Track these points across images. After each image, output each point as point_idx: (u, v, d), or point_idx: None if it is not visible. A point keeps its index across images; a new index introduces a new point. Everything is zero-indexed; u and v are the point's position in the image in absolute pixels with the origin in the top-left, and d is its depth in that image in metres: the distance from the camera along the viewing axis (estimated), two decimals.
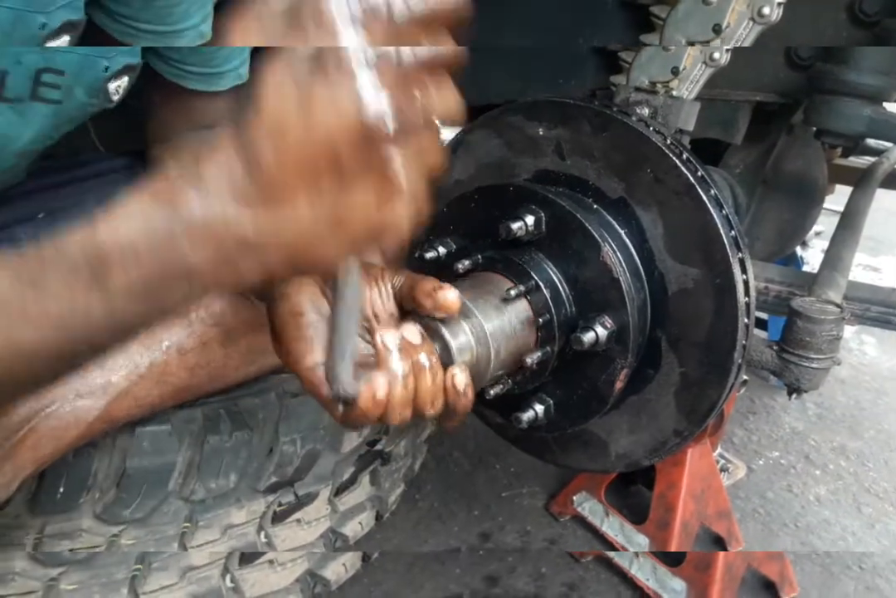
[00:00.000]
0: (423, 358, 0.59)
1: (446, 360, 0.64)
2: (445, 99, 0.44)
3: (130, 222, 0.45)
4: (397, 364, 0.57)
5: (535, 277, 0.77)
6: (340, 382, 0.55)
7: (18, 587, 0.88)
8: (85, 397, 0.81)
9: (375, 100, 0.41)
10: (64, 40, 0.69)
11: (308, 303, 0.60)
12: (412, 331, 0.60)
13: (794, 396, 0.94)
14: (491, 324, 0.70)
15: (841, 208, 1.36)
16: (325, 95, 0.41)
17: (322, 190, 0.43)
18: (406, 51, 0.41)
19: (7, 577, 0.87)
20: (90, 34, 0.72)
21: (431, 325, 0.65)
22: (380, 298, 0.65)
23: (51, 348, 0.47)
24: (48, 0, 0.62)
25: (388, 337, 0.58)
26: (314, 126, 0.41)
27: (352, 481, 1.16)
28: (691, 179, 0.77)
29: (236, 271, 0.46)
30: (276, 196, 0.43)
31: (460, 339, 0.67)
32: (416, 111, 0.42)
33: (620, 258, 0.78)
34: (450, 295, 0.61)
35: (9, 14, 0.63)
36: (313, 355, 0.58)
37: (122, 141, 1.02)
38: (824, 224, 2.10)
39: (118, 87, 0.78)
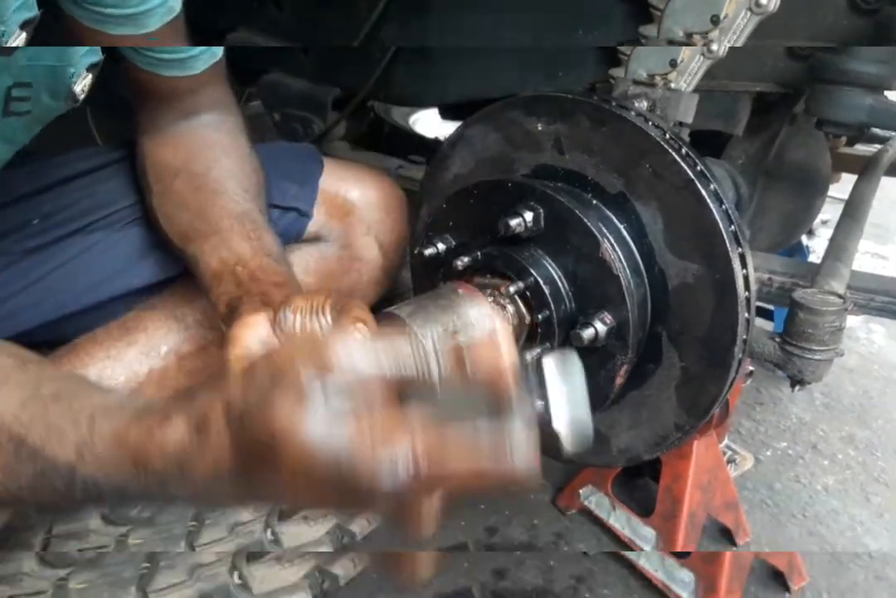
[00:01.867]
0: None
1: None
2: None
3: (118, 474, 0.46)
4: None
5: (535, 274, 0.77)
6: None
7: (28, 587, 0.89)
8: None
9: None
10: (21, 38, 0.67)
11: (256, 343, 0.61)
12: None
13: (797, 388, 0.94)
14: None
15: (846, 197, 1.35)
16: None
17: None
18: None
19: (16, 577, 0.88)
20: (59, 24, 0.72)
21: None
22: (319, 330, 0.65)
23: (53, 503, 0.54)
24: (5, 8, 0.60)
25: None
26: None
27: None
28: (690, 173, 0.77)
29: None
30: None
31: None
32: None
33: (620, 254, 0.78)
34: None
35: None
36: None
37: (122, 134, 1.02)
38: (831, 213, 2.08)
39: (83, 87, 0.78)
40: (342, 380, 0.39)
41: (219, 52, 0.87)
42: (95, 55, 0.77)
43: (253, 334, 0.61)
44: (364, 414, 0.40)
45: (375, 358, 0.40)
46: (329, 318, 0.64)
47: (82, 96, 0.79)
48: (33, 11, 0.67)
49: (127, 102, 0.92)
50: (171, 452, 0.44)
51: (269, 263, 0.78)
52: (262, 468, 0.41)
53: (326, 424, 0.39)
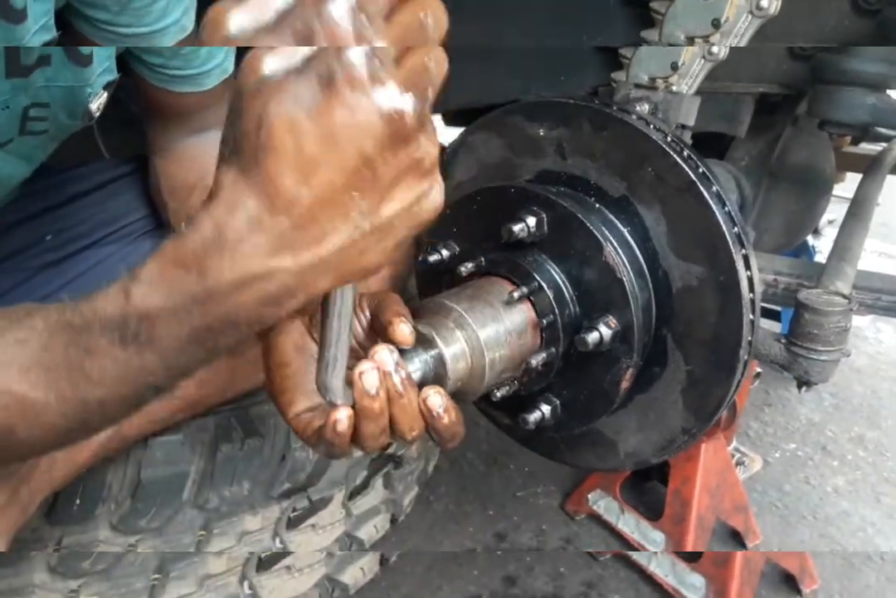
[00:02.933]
0: (394, 382, 0.56)
1: (439, 369, 0.64)
2: (438, 21, 0.40)
3: (165, 290, 0.45)
4: (370, 405, 0.56)
5: (538, 279, 0.77)
6: (329, 391, 0.55)
7: None
8: None
9: (395, 99, 0.39)
10: (103, 97, 0.74)
11: (294, 351, 0.60)
12: (384, 356, 0.57)
13: (804, 389, 0.93)
14: (486, 332, 0.69)
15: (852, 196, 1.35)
16: (345, 117, 0.39)
17: (361, 207, 0.42)
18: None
19: (27, 589, 0.88)
20: (72, 42, 0.72)
21: (426, 333, 0.65)
22: (358, 324, 0.64)
23: (116, 399, 0.50)
24: (24, 32, 0.61)
25: (368, 378, 0.56)
26: (344, 152, 0.39)
27: (365, 485, 1.16)
28: (692, 176, 0.76)
29: (283, 309, 0.46)
30: (311, 230, 0.41)
31: (453, 348, 0.66)
32: (426, 79, 0.40)
33: (623, 257, 0.77)
34: (400, 331, 0.59)
35: (59, 91, 0.66)
36: (297, 405, 0.59)
37: (127, 146, 1.02)
38: (836, 212, 2.08)
39: (99, 105, 0.78)
40: None
41: (230, 67, 0.88)
42: (111, 74, 0.79)
43: (289, 341, 0.61)
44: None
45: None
46: (367, 313, 0.64)
47: (97, 114, 0.80)
48: (114, 74, 0.74)
49: (135, 116, 0.93)
50: (203, 232, 0.42)
51: None
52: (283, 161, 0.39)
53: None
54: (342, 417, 0.55)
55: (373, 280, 1.02)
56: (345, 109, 0.38)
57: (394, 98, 0.39)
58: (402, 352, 0.59)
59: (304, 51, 0.39)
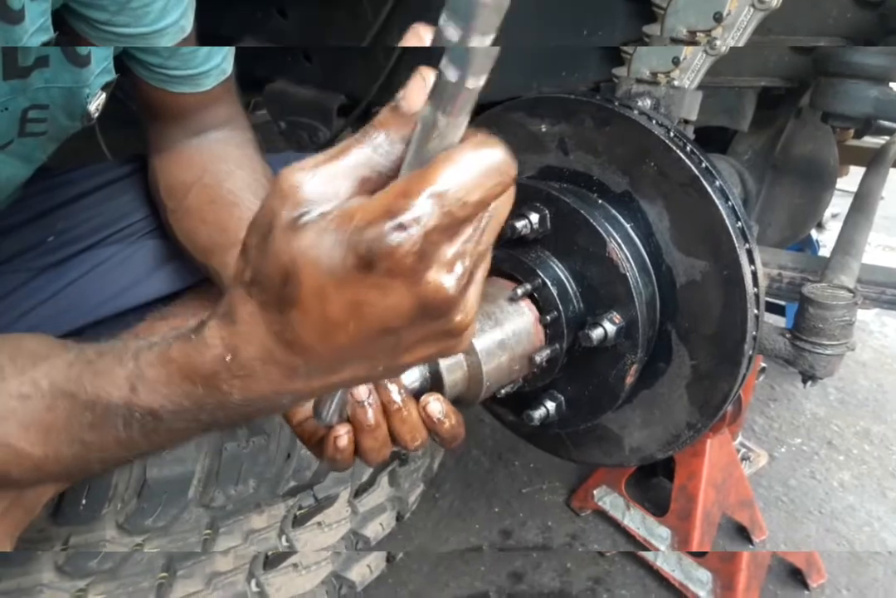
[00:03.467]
0: (392, 396, 0.58)
1: (435, 380, 0.64)
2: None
3: (174, 397, 0.45)
4: (361, 413, 0.57)
5: (542, 276, 0.77)
6: (320, 415, 0.55)
7: None
8: None
9: (436, 278, 0.35)
10: (101, 99, 0.73)
11: None
12: None
13: (808, 383, 0.93)
14: (482, 340, 0.69)
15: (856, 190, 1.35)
16: (376, 297, 0.36)
17: (379, 358, 0.40)
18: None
19: (35, 589, 0.89)
20: (70, 42, 0.72)
21: None
22: None
23: (117, 461, 0.52)
24: (22, 33, 0.61)
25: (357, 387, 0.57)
26: (369, 324, 0.37)
27: (371, 482, 1.16)
28: (695, 170, 0.76)
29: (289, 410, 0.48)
30: (325, 370, 0.41)
31: (449, 360, 0.66)
32: (480, 248, 0.37)
33: (627, 253, 0.77)
34: None
35: (58, 92, 0.66)
36: (301, 413, 0.59)
37: (129, 146, 1.02)
38: (841, 206, 2.07)
39: (98, 106, 0.78)
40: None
41: (228, 68, 0.88)
42: (109, 75, 0.78)
43: None
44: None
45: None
46: None
47: (96, 115, 0.80)
48: (112, 75, 0.73)
49: (136, 116, 0.93)
50: (214, 350, 0.42)
51: None
52: (299, 310, 0.37)
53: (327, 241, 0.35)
54: (341, 432, 0.56)
55: None
56: (378, 291, 0.36)
57: (435, 277, 0.35)
58: None
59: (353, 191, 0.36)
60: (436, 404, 0.59)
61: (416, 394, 0.60)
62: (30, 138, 0.74)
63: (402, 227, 0.33)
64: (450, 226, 0.34)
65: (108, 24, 0.72)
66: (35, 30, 0.62)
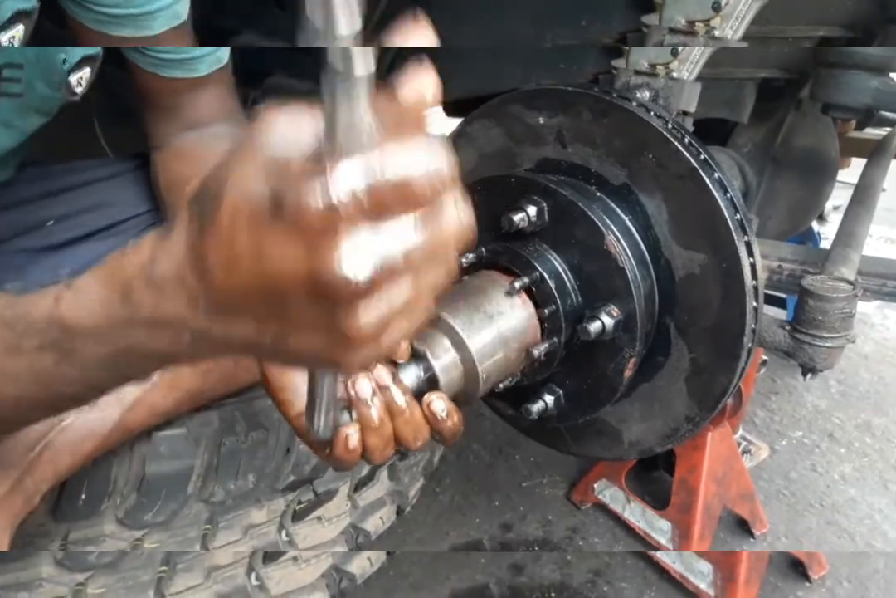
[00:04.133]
0: (395, 398, 0.57)
1: (431, 382, 0.64)
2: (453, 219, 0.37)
3: (90, 305, 0.45)
4: (367, 412, 0.56)
5: (540, 269, 0.76)
6: (317, 428, 0.55)
7: (47, 592, 0.89)
8: (99, 408, 0.82)
9: (354, 258, 0.33)
10: (18, 30, 0.67)
11: None
12: (381, 372, 0.58)
13: (808, 376, 0.93)
14: (476, 341, 0.68)
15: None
16: (285, 239, 0.34)
17: (268, 325, 0.39)
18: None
19: (35, 583, 0.89)
20: (61, 24, 0.72)
21: (417, 348, 0.65)
22: None
23: (31, 401, 0.50)
24: None
25: (360, 385, 0.56)
26: (263, 269, 0.36)
27: (370, 476, 1.16)
28: (694, 162, 0.76)
29: (193, 354, 0.46)
30: (225, 312, 0.40)
31: (443, 359, 0.66)
32: (404, 257, 0.35)
33: (625, 246, 0.77)
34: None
35: None
36: (298, 404, 0.58)
37: (130, 144, 1.02)
38: (842, 198, 2.07)
39: (80, 78, 0.77)
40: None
41: (224, 58, 0.86)
42: (92, 48, 0.77)
43: None
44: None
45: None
46: None
47: (80, 89, 0.78)
48: (30, 3, 0.66)
49: (135, 111, 0.92)
50: (140, 257, 0.42)
51: None
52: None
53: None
54: (352, 431, 0.55)
55: None
56: (280, 243, 0.34)
57: (338, 257, 0.33)
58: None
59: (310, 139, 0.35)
60: (439, 403, 0.59)
61: (415, 395, 0.60)
62: (5, 100, 0.72)
63: (323, 186, 0.32)
64: (373, 204, 0.33)
65: (97, 3, 0.71)
66: None
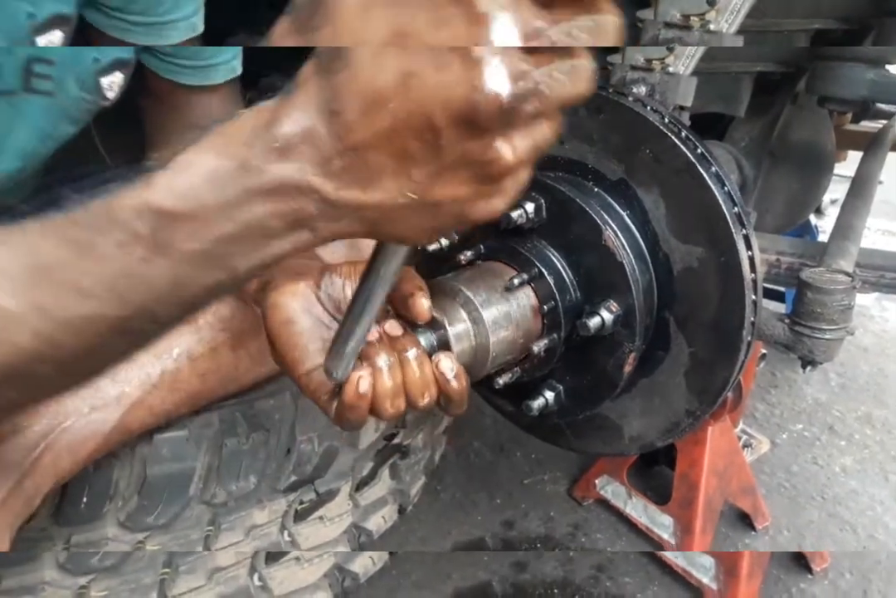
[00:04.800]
0: (406, 349, 0.58)
1: (444, 348, 0.64)
2: (579, 74, 0.37)
3: (194, 182, 0.40)
4: (378, 357, 0.56)
5: (539, 265, 0.77)
6: (336, 368, 0.54)
7: (49, 596, 0.89)
8: (99, 409, 0.81)
9: (496, 78, 0.34)
10: (56, 36, 0.68)
11: (300, 311, 0.59)
12: (392, 324, 0.60)
13: (808, 368, 0.93)
14: (490, 312, 0.69)
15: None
16: (433, 63, 0.34)
17: (412, 174, 0.38)
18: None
19: (37, 587, 0.89)
20: (84, 35, 0.72)
21: (433, 315, 0.65)
22: None
23: (106, 321, 0.43)
24: None
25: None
26: (412, 105, 0.35)
27: (372, 475, 1.16)
28: (691, 157, 0.76)
29: (314, 234, 0.42)
30: (359, 170, 0.38)
31: (458, 327, 0.67)
32: (546, 92, 0.35)
33: (623, 241, 0.77)
34: (420, 304, 0.59)
35: None
36: (307, 362, 0.58)
37: (127, 151, 1.02)
38: (840, 192, 2.07)
39: (111, 83, 0.77)
40: None
41: (238, 67, 0.89)
42: (124, 51, 0.78)
43: (294, 301, 0.60)
44: None
45: None
46: None
47: (111, 94, 0.79)
48: (69, 8, 0.66)
49: (134, 118, 0.92)
50: (256, 121, 0.38)
51: None
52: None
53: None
54: (364, 373, 0.55)
55: None
56: (435, 66, 0.34)
57: (496, 78, 0.34)
58: None
59: None
60: (447, 362, 0.59)
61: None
62: (36, 97, 0.72)
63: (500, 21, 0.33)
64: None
65: (121, 11, 0.72)
66: None
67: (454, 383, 0.59)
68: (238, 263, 0.42)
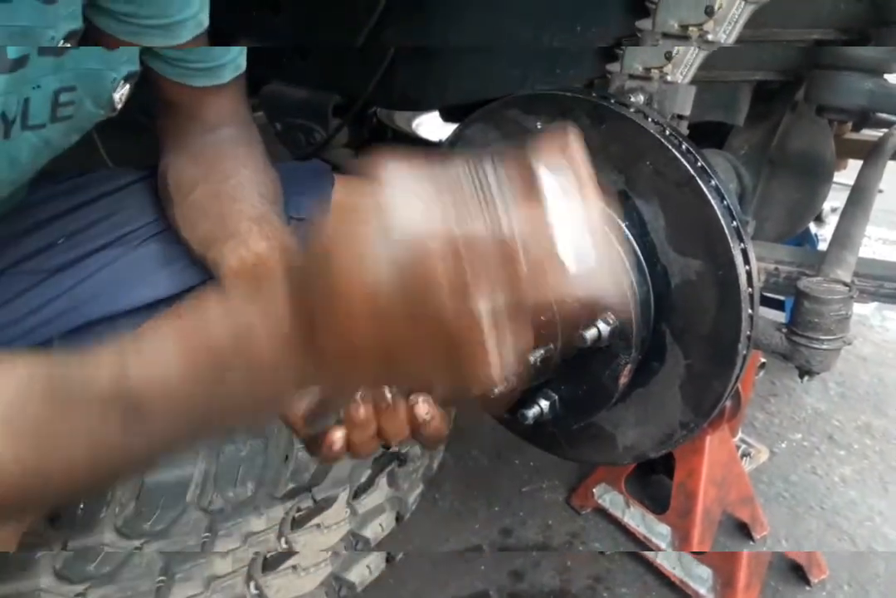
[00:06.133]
0: (386, 396, 0.58)
1: None
2: None
3: (163, 362, 0.41)
4: (357, 413, 0.57)
5: None
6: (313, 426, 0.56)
7: None
8: None
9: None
10: (126, 88, 0.73)
11: None
12: None
13: (805, 378, 0.93)
14: None
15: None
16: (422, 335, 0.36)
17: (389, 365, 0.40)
18: None
19: (34, 594, 0.89)
20: (91, 40, 0.73)
21: None
22: None
23: (85, 468, 0.45)
24: (54, 13, 0.62)
25: None
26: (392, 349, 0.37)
27: (369, 483, 1.16)
28: (691, 170, 0.76)
29: (282, 403, 0.45)
30: (332, 366, 0.40)
31: None
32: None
33: (621, 252, 0.77)
34: None
35: (18, 31, 0.63)
36: (298, 404, 0.58)
37: (130, 156, 1.02)
38: (840, 200, 2.07)
39: (122, 96, 0.79)
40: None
41: (243, 64, 0.90)
42: (134, 64, 0.79)
43: None
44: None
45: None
46: None
47: (119, 106, 0.80)
48: (78, 24, 0.68)
49: (135, 122, 0.93)
50: (229, 320, 0.39)
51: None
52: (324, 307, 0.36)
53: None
54: (336, 437, 0.56)
55: None
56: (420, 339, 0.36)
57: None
58: None
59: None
60: (423, 406, 0.59)
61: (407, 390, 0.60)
62: (60, 124, 0.73)
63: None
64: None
65: (133, 15, 0.73)
66: (66, 15, 0.63)
67: (429, 428, 0.59)
68: (207, 433, 0.47)
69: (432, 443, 0.61)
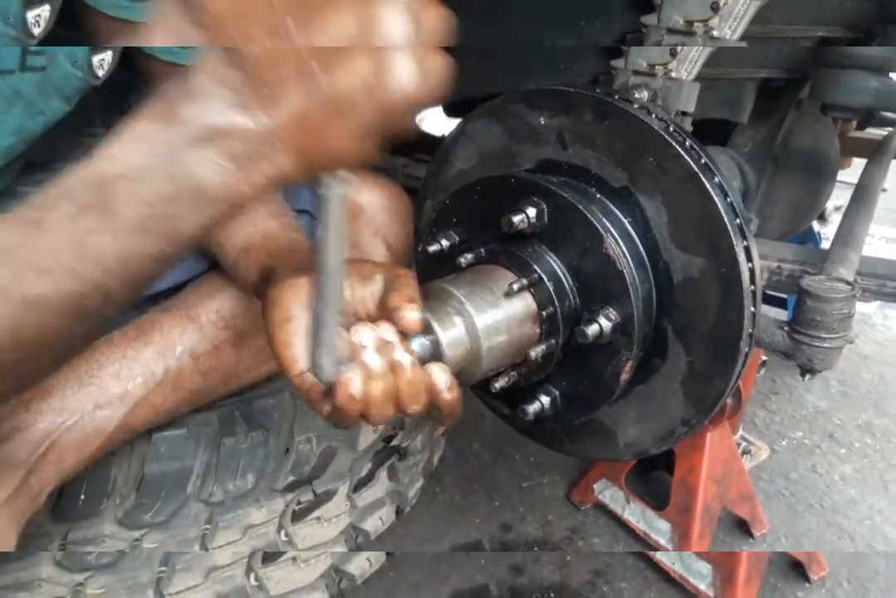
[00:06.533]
0: (398, 355, 0.58)
1: (436, 354, 0.64)
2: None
3: (129, 146, 0.43)
4: (371, 360, 0.57)
5: (538, 270, 0.77)
6: (321, 368, 0.55)
7: (46, 592, 0.90)
8: (104, 407, 0.82)
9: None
10: (44, 9, 0.68)
11: (298, 308, 0.60)
12: (388, 330, 0.60)
13: (807, 376, 0.93)
14: (487, 317, 0.69)
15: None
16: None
17: (312, 73, 0.41)
18: None
19: (34, 583, 0.89)
20: (70, 24, 0.72)
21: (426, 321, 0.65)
22: (367, 297, 0.64)
23: (63, 299, 0.44)
24: None
25: (363, 333, 0.58)
26: None
27: (370, 477, 1.17)
28: (694, 167, 0.76)
29: (251, 180, 0.44)
30: (267, 91, 0.41)
31: (451, 333, 0.67)
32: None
33: (624, 249, 0.77)
34: (410, 316, 0.60)
35: None
36: (302, 362, 0.58)
37: None
38: (844, 199, 2.06)
39: (101, 60, 0.77)
40: None
41: None
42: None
43: (295, 297, 0.60)
44: None
45: None
46: (380, 285, 0.64)
47: (101, 73, 0.79)
48: None
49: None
50: (181, 81, 0.42)
51: (299, 238, 0.78)
52: None
53: None
54: (353, 375, 0.55)
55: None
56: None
57: None
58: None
59: None
60: (440, 374, 0.60)
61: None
62: (30, 74, 0.72)
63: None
64: None
65: None
66: None
67: (446, 395, 0.60)
68: (179, 226, 0.45)
69: (448, 416, 0.61)
